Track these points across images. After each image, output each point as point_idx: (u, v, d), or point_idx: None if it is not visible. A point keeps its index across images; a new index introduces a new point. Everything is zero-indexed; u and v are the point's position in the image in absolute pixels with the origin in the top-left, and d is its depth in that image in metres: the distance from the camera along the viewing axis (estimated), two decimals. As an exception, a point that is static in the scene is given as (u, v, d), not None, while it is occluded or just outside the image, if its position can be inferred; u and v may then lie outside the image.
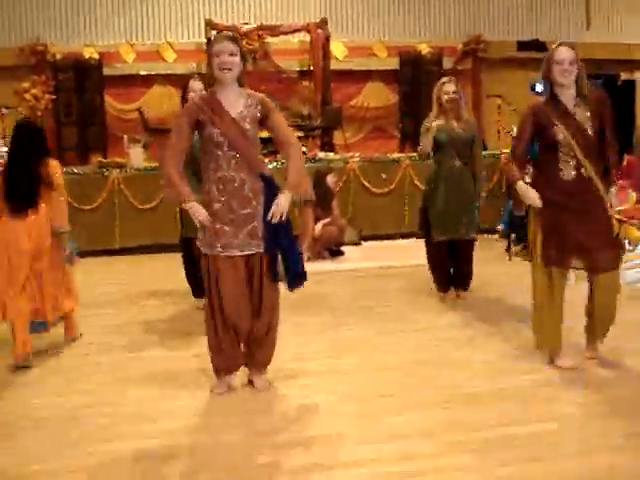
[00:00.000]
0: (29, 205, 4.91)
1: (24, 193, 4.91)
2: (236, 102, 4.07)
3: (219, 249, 4.07)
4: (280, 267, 4.15)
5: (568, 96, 4.40)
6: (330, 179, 8.77)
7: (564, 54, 4.33)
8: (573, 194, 4.37)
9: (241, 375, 4.42)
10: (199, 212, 4.03)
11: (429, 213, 6.31)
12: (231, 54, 3.99)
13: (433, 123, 6.14)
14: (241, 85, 4.13)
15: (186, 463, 3.42)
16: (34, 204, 4.92)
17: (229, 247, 4.07)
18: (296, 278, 4.22)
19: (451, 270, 6.48)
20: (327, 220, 8.62)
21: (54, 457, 3.49)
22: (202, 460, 3.45)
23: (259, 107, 4.10)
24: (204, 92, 4.16)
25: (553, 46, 4.45)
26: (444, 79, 6.30)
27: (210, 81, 4.17)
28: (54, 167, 5.07)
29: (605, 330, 4.59)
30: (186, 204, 4.04)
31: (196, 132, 4.10)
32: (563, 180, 4.39)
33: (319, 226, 8.47)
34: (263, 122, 4.13)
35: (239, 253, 4.08)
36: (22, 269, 4.89)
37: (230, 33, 4.24)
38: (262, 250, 4.10)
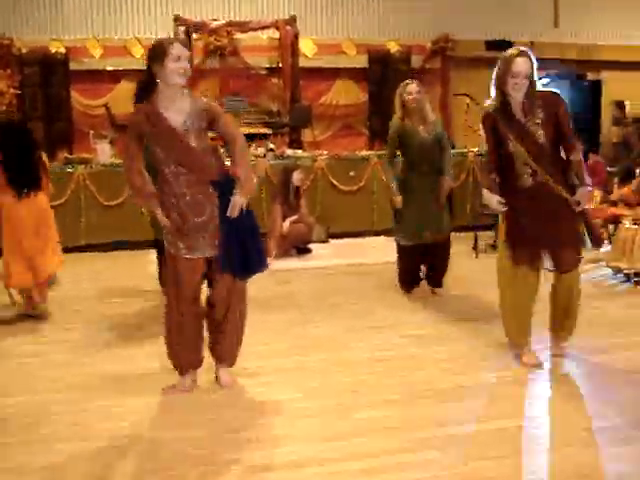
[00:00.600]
0: (34, 188, 5.85)
1: (29, 179, 5.83)
2: (180, 111, 3.92)
3: (183, 251, 4.05)
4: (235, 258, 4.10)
5: (517, 101, 4.37)
6: (296, 176, 8.72)
7: (520, 67, 4.26)
8: (533, 199, 4.40)
9: (205, 372, 4.38)
10: (162, 219, 4.04)
11: (396, 216, 6.36)
12: (187, 58, 3.92)
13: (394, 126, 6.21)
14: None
15: (150, 461, 3.38)
16: (37, 187, 5.88)
17: (193, 249, 4.05)
18: (250, 266, 4.16)
19: (422, 269, 6.52)
20: (294, 217, 8.60)
21: (21, 455, 3.45)
22: (166, 457, 3.41)
23: (204, 115, 3.96)
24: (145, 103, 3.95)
25: (511, 52, 4.35)
26: (407, 81, 6.32)
27: (148, 87, 3.95)
28: (45, 157, 6.13)
29: (570, 327, 4.62)
30: (155, 211, 4.05)
31: None
32: (523, 187, 4.42)
33: (286, 223, 8.46)
34: (210, 126, 4.02)
35: (201, 256, 4.07)
36: (27, 242, 5.80)
37: (181, 38, 4.13)
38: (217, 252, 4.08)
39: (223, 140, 4.16)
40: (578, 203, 4.37)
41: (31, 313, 5.96)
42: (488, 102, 4.48)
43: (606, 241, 8.26)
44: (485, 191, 4.51)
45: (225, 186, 4.03)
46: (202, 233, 4.03)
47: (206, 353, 4.33)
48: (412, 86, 6.16)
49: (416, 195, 6.18)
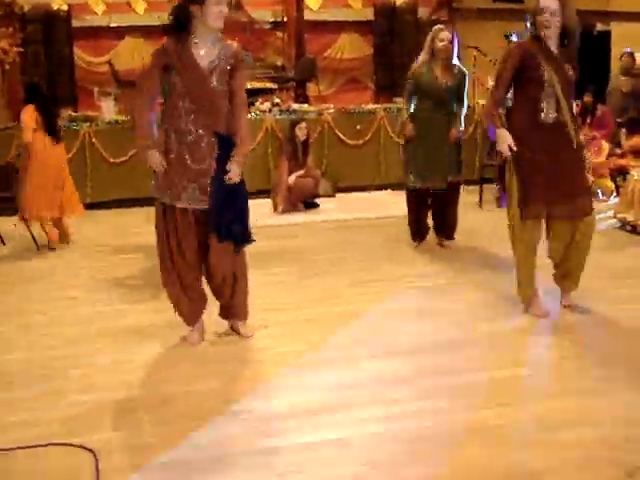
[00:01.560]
0: (60, 138, 7.01)
1: (58, 129, 7.05)
2: (210, 52, 3.96)
3: (167, 198, 4.03)
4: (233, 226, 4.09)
5: (550, 36, 4.38)
6: (299, 130, 8.64)
7: (546, 2, 4.30)
8: (552, 138, 4.39)
9: (211, 325, 4.40)
10: (153, 159, 3.97)
11: (406, 156, 6.38)
12: (227, 3, 3.92)
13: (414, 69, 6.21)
14: None
15: (160, 412, 3.42)
16: (60, 138, 7.04)
17: (176, 198, 4.02)
18: (239, 238, 4.14)
19: (431, 219, 6.53)
20: (301, 172, 8.56)
21: (28, 409, 3.47)
22: (175, 409, 3.45)
23: (231, 60, 4.00)
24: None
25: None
26: (440, 26, 6.28)
27: (182, 25, 3.93)
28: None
29: (577, 277, 4.61)
30: (143, 150, 4.00)
31: None
32: (542, 122, 4.39)
33: (292, 178, 8.43)
34: (229, 75, 4.01)
35: (186, 206, 4.03)
36: (53, 181, 6.84)
37: None
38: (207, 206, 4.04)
39: (229, 92, 4.08)
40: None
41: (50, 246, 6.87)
42: (513, 36, 4.52)
43: (614, 193, 8.25)
44: (500, 130, 4.43)
45: (226, 144, 4.01)
46: (192, 183, 3.99)
47: (210, 308, 4.36)
48: (445, 33, 6.12)
49: (428, 138, 6.18)
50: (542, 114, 4.39)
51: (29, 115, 6.78)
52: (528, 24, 4.49)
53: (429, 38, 6.17)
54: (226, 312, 4.38)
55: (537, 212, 4.45)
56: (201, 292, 4.29)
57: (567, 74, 4.40)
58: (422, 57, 6.20)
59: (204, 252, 4.14)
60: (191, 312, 4.27)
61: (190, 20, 3.90)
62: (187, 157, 3.97)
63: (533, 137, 4.42)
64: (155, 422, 3.31)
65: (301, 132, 8.64)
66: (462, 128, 6.39)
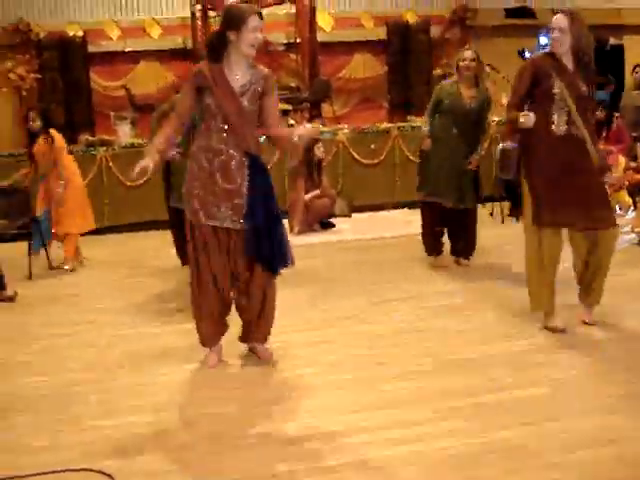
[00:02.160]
0: None
1: None
2: (242, 76, 4.04)
3: (202, 217, 4.06)
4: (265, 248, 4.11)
5: (568, 60, 4.45)
6: (317, 150, 8.69)
7: (555, 22, 4.40)
8: (564, 150, 4.40)
9: (229, 348, 4.40)
10: (148, 157, 3.94)
11: (422, 168, 6.49)
12: (260, 31, 4.00)
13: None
14: None
15: (180, 436, 3.42)
16: None
17: (212, 217, 4.06)
18: (280, 260, 4.18)
19: (446, 236, 6.56)
20: (316, 192, 8.59)
21: (48, 434, 3.49)
22: (196, 433, 3.44)
23: (261, 82, 4.07)
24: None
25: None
26: (466, 46, 6.67)
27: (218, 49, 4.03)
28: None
29: (599, 293, 4.59)
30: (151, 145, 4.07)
31: None
32: (554, 135, 4.41)
33: (308, 196, 8.47)
34: (259, 97, 4.09)
35: (219, 224, 4.07)
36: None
37: (258, 9, 4.19)
38: (242, 227, 4.07)
39: (261, 116, 4.13)
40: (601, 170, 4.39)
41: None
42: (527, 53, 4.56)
43: (631, 207, 8.21)
44: (521, 114, 4.43)
45: (256, 164, 4.08)
46: (226, 202, 4.03)
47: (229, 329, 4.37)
48: (467, 52, 6.29)
49: (444, 155, 6.24)
50: (553, 126, 4.42)
51: (60, 137, 7.20)
52: (542, 38, 4.57)
53: (455, 58, 6.41)
54: (247, 333, 4.38)
55: (551, 220, 4.44)
56: (224, 318, 4.32)
57: (580, 88, 4.41)
58: (453, 78, 6.37)
59: (235, 272, 4.16)
60: (210, 334, 4.28)
61: (226, 45, 3.99)
62: (218, 176, 4.03)
63: (546, 149, 4.45)
64: (173, 447, 3.31)
65: (319, 152, 8.72)
66: (480, 154, 6.46)
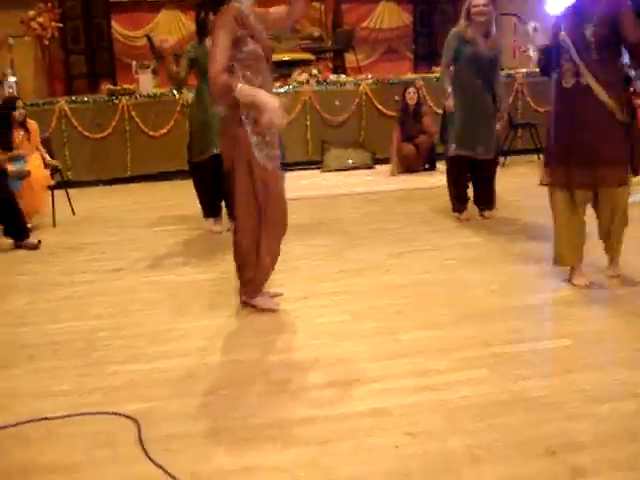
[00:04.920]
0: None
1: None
2: (252, 18, 4.02)
3: (266, 161, 4.06)
4: None
5: None
6: (407, 95, 9.01)
7: None
8: (573, 103, 4.28)
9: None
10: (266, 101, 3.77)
11: (448, 123, 6.35)
12: None
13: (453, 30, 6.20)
14: None
15: (203, 382, 3.45)
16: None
17: (273, 158, 4.12)
18: None
19: (470, 189, 6.50)
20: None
21: (73, 378, 3.53)
22: (218, 379, 3.48)
23: (260, 20, 4.11)
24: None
25: None
26: None
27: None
28: None
29: (616, 250, 4.54)
30: (236, 88, 3.76)
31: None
32: (564, 88, 4.31)
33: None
34: (265, 26, 4.15)
35: (277, 166, 4.17)
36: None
37: None
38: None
39: (280, 19, 4.27)
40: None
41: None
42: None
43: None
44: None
45: None
46: (276, 144, 4.12)
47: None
48: None
49: (469, 107, 6.15)
50: (563, 81, 4.30)
51: (36, 128, 7.18)
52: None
53: (466, 4, 6.13)
54: None
55: (555, 178, 4.39)
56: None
57: (583, 34, 4.18)
58: (461, 23, 6.14)
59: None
60: (264, 277, 4.34)
61: None
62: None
63: (559, 104, 4.35)
64: (195, 393, 3.34)
65: (409, 97, 8.89)
66: (506, 113, 6.43)
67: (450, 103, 6.23)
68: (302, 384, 3.37)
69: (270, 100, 3.76)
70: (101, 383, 3.46)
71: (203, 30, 5.62)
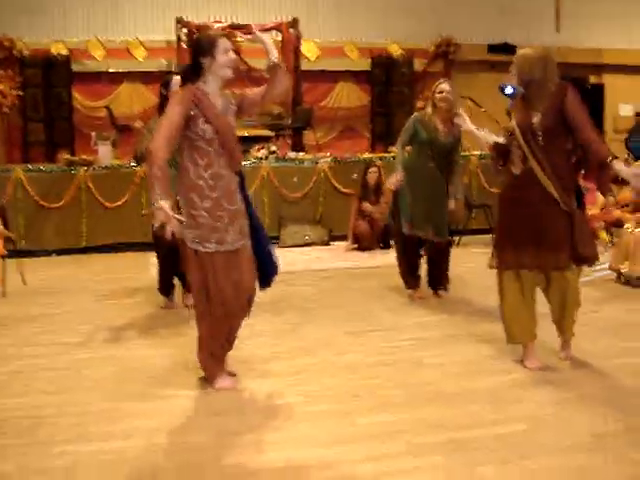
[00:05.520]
0: None
1: None
2: (218, 99, 4.08)
3: (212, 245, 4.03)
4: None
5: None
6: (369, 174, 9.21)
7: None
8: (522, 190, 4.37)
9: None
10: (165, 214, 3.78)
11: (399, 205, 6.35)
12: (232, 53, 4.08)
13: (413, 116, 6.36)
14: None
15: (151, 464, 3.35)
16: None
17: (222, 242, 4.05)
18: (269, 276, 4.28)
19: (424, 269, 6.54)
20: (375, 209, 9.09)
21: (17, 458, 3.40)
22: (168, 461, 3.38)
23: (232, 102, 4.15)
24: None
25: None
26: (441, 79, 6.49)
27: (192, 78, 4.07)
28: None
29: (567, 331, 4.58)
30: (157, 203, 3.79)
31: None
32: (512, 174, 4.42)
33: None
34: (241, 110, 4.19)
35: (231, 248, 4.08)
36: None
37: (222, 32, 4.29)
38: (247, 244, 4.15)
39: (260, 98, 4.24)
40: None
41: None
42: (508, 87, 4.43)
43: (609, 244, 8.27)
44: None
45: (242, 182, 4.19)
46: (232, 224, 4.05)
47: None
48: (443, 85, 6.22)
49: (422, 188, 6.21)
50: (513, 166, 4.41)
51: None
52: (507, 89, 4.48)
53: (431, 90, 6.33)
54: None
55: (504, 260, 4.45)
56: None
57: (530, 123, 4.29)
58: (427, 109, 6.30)
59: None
60: (221, 362, 4.30)
61: (199, 73, 4.03)
62: (224, 201, 4.03)
63: (508, 188, 4.47)
64: (143, 476, 3.24)
65: (370, 176, 9.13)
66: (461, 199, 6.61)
67: (393, 179, 6.27)
68: (256, 468, 3.29)
69: (160, 213, 3.78)
70: (45, 464, 3.34)
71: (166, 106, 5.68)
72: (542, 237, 4.34)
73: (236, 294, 4.11)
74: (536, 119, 4.30)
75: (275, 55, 4.14)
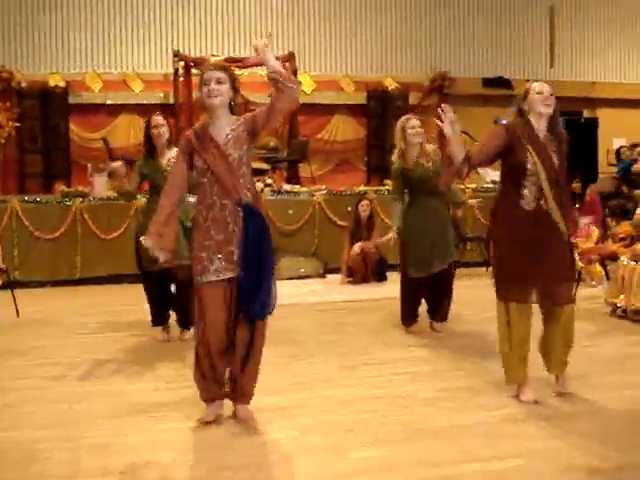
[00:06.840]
0: None
1: None
2: (224, 128, 4.09)
3: (198, 277, 4.08)
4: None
5: (541, 127, 4.44)
6: (360, 207, 9.22)
7: (544, 87, 4.40)
8: (532, 226, 4.39)
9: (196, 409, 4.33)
10: (157, 251, 4.10)
11: (405, 249, 6.35)
12: (218, 82, 4.03)
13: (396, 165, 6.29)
14: (232, 113, 4.14)
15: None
16: None
17: (206, 273, 4.06)
18: (263, 308, 4.14)
19: (423, 301, 6.51)
20: (369, 244, 8.99)
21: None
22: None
23: (243, 125, 4.10)
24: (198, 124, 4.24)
25: (530, 84, 4.50)
26: (408, 115, 6.45)
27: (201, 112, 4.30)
28: None
29: (562, 365, 4.59)
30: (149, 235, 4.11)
31: None
32: (523, 210, 4.41)
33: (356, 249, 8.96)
34: (255, 130, 4.09)
35: (215, 278, 4.05)
36: None
37: (220, 63, 4.33)
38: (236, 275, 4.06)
39: (268, 112, 4.05)
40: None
41: None
42: (503, 120, 4.48)
43: (604, 277, 8.28)
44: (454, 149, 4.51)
45: (252, 213, 4.07)
46: (217, 253, 4.04)
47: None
48: (415, 121, 6.23)
49: (423, 226, 6.21)
50: (523, 201, 4.41)
51: None
52: (516, 109, 4.53)
53: (399, 128, 6.26)
54: (235, 389, 4.29)
55: (513, 294, 4.44)
56: (221, 379, 4.26)
57: (553, 164, 4.38)
58: (398, 148, 6.25)
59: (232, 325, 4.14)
60: (212, 395, 4.25)
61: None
62: (212, 229, 4.05)
63: (515, 222, 4.44)
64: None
65: (362, 209, 9.11)
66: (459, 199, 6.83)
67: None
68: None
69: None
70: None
71: (152, 146, 6.00)
72: (554, 271, 4.40)
73: (215, 328, 4.10)
74: (556, 159, 4.40)
75: (272, 66, 3.94)
